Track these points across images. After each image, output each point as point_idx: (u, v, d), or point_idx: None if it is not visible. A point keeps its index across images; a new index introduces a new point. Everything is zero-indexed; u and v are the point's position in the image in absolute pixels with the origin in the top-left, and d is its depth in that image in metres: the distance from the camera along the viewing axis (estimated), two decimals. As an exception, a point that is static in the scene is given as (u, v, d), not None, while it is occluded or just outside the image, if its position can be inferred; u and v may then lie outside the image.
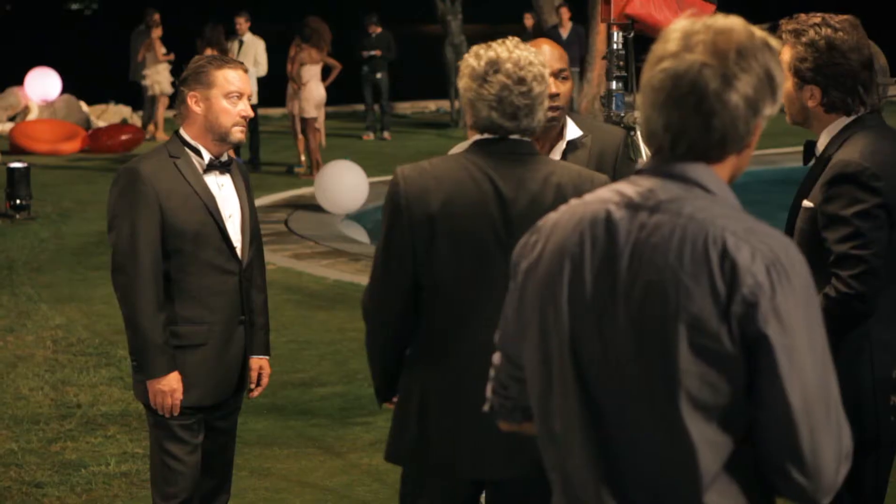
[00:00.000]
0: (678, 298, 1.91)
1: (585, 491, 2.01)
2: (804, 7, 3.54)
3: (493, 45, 3.09)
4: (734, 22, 1.99)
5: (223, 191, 4.00)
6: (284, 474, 5.58)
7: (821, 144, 3.39)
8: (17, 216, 11.96)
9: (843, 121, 3.35)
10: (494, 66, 3.04)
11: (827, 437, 1.90)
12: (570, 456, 2.02)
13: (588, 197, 2.09)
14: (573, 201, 2.11)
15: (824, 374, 1.91)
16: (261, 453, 5.81)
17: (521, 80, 3.04)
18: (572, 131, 3.85)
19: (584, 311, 2.01)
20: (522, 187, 3.05)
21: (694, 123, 1.97)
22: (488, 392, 2.25)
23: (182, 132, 3.99)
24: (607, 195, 2.05)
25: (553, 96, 3.59)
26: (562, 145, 3.84)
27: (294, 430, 6.16)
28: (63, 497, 5.28)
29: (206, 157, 3.97)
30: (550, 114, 3.60)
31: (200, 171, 3.96)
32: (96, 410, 6.40)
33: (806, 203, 3.34)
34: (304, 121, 14.68)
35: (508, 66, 3.04)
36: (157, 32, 17.06)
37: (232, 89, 3.92)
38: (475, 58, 3.07)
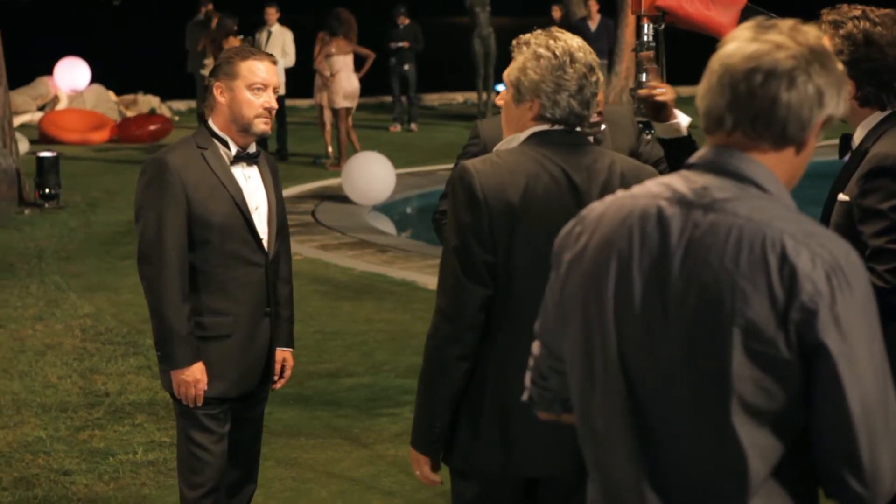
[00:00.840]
0: (734, 302, 1.86)
1: (626, 489, 1.97)
2: (827, 2, 3.48)
3: (555, 34, 3.05)
4: (807, 26, 1.97)
5: (250, 182, 3.99)
6: (311, 464, 5.58)
7: (857, 138, 3.35)
8: (46, 205, 12.02)
9: (879, 115, 3.31)
10: (569, 55, 3.01)
11: (886, 446, 1.87)
12: (612, 454, 1.98)
13: (636, 190, 2.03)
14: (620, 193, 2.06)
15: (884, 381, 1.88)
16: (287, 443, 5.82)
17: (592, 70, 3.03)
18: None
19: (632, 309, 1.95)
20: (592, 177, 3.01)
21: (762, 97, 1.92)
22: (527, 381, 2.20)
23: (210, 123, 3.98)
24: (657, 189, 1.99)
25: None
26: None
27: (320, 421, 6.16)
28: (90, 485, 5.30)
29: (234, 148, 3.96)
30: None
31: (228, 162, 3.95)
32: (124, 399, 6.42)
33: (842, 197, 3.30)
34: (334, 112, 14.67)
35: (580, 55, 3.02)
36: (216, 23, 16.95)
37: (256, 80, 3.90)
38: (546, 49, 3.01)
